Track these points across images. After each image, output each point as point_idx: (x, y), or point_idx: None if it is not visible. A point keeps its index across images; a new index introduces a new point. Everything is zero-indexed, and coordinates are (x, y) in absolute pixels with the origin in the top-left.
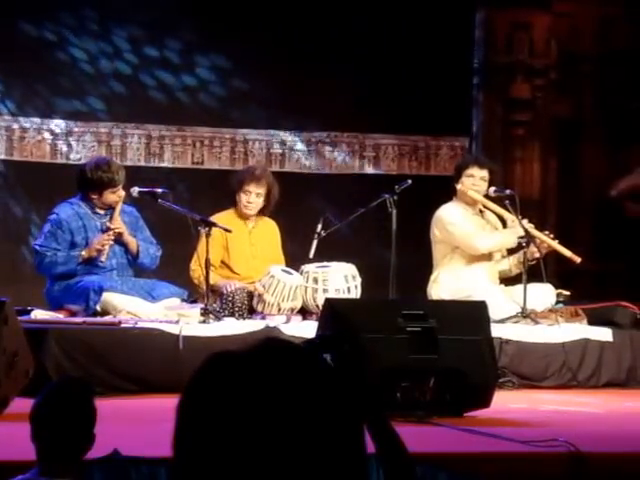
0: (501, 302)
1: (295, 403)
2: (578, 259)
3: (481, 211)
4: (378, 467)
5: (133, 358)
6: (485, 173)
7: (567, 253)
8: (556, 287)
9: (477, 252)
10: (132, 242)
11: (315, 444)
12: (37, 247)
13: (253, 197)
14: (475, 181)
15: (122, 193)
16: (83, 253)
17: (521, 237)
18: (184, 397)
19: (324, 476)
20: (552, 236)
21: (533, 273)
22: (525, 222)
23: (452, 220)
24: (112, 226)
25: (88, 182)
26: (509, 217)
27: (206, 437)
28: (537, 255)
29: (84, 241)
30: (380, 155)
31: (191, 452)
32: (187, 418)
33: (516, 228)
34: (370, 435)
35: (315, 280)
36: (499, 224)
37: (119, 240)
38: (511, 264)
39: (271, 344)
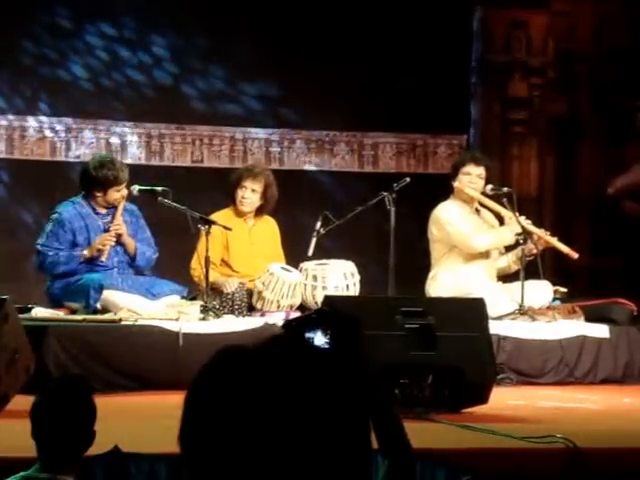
0: (499, 299)
1: (303, 399)
2: (575, 255)
3: (477, 209)
4: (376, 462)
5: (133, 355)
6: (482, 170)
7: (564, 249)
8: (553, 284)
9: (475, 252)
10: (130, 244)
11: (321, 439)
12: (39, 247)
13: (248, 193)
14: (472, 179)
15: (125, 192)
16: (85, 252)
17: (518, 234)
18: (192, 391)
19: (329, 469)
20: (549, 233)
21: (531, 270)
22: (522, 219)
23: (450, 220)
24: (113, 226)
25: (92, 180)
26: (506, 214)
27: (214, 431)
28: (534, 251)
29: (86, 241)
30: (379, 153)
31: (199, 445)
32: (195, 412)
33: (513, 225)
34: (373, 427)
35: (314, 277)
36: (496, 222)
37: (118, 240)
38: (509, 261)
39: (279, 341)
